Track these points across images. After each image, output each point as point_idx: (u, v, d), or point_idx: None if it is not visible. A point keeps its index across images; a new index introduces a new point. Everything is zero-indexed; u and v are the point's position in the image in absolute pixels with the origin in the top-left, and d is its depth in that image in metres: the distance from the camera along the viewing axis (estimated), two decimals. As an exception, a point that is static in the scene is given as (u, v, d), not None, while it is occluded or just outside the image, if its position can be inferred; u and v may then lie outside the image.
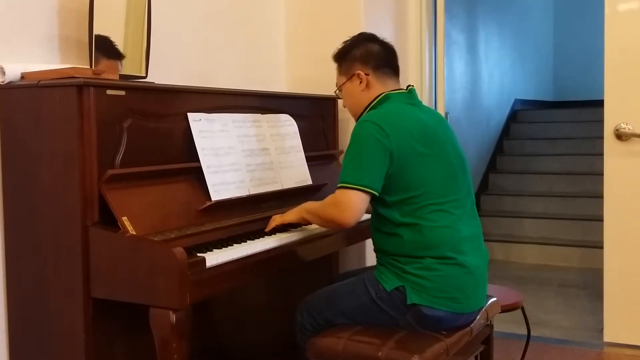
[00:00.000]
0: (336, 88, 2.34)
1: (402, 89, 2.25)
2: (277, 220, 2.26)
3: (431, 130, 2.12)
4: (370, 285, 2.09)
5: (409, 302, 2.02)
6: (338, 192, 2.04)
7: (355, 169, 2.02)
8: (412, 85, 2.28)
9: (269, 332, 2.69)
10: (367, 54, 2.25)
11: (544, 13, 8.31)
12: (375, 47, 2.27)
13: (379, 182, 2.02)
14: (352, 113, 2.33)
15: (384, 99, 2.20)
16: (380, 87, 2.23)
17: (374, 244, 2.20)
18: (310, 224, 2.30)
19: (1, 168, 2.03)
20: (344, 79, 2.29)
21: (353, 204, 2.00)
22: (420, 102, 2.27)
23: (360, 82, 2.23)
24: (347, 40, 2.32)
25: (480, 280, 2.12)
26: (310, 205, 2.23)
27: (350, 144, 2.07)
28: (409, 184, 2.04)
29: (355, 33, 2.36)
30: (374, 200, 2.07)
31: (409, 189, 2.05)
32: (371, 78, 2.23)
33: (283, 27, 3.34)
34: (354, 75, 2.25)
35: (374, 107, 2.20)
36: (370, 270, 2.19)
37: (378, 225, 2.14)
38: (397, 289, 2.04)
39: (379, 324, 2.07)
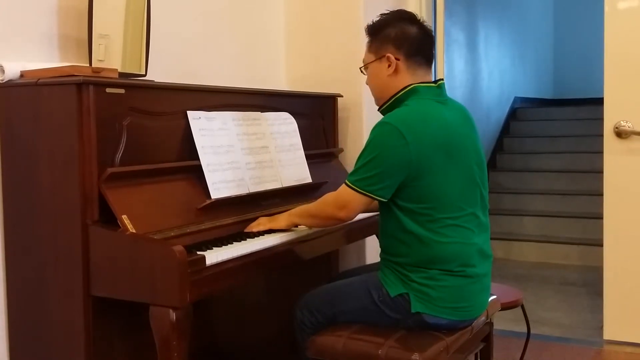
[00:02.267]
0: (362, 65, 2.20)
1: (432, 83, 2.12)
2: (265, 225, 2.20)
3: (457, 135, 2.02)
4: (373, 287, 2.06)
5: (413, 311, 1.99)
6: (342, 188, 2.02)
7: (366, 173, 1.96)
8: (443, 80, 2.15)
9: (268, 331, 2.69)
10: (403, 37, 2.08)
11: (543, 11, 8.30)
12: (412, 30, 2.09)
13: (389, 191, 1.97)
14: (374, 95, 2.19)
15: (412, 92, 2.06)
16: (409, 76, 2.08)
17: (380, 242, 2.16)
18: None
19: (1, 166, 2.03)
20: (372, 58, 2.14)
21: (353, 205, 2.01)
22: (449, 98, 2.14)
23: (389, 66, 2.08)
24: (385, 14, 2.15)
25: (485, 285, 2.11)
26: (301, 208, 2.21)
27: (367, 145, 1.99)
28: (425, 195, 1.97)
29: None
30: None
31: (425, 200, 1.97)
32: (401, 64, 2.08)
33: (283, 25, 3.34)
34: (383, 56, 2.09)
35: (399, 100, 2.07)
36: (374, 271, 2.16)
37: (387, 226, 2.08)
38: (401, 295, 2.01)
39: (379, 324, 2.05)
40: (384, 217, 2.10)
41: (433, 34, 2.17)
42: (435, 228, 1.98)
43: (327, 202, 2.11)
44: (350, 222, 2.15)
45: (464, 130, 2.07)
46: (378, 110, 2.19)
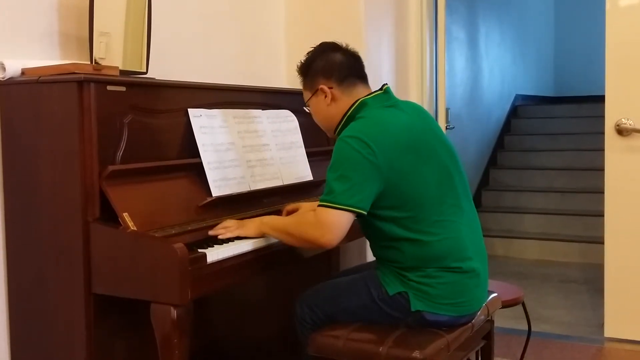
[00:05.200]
0: (305, 103, 2.22)
1: (377, 91, 2.12)
2: (232, 230, 2.06)
3: (418, 132, 2.02)
4: (373, 286, 2.06)
5: (412, 309, 1.99)
6: (320, 211, 1.91)
7: (340, 187, 1.89)
8: (387, 84, 2.15)
9: (269, 329, 2.69)
10: (329, 66, 2.12)
11: (544, 8, 8.29)
12: (337, 57, 2.14)
13: (368, 201, 1.91)
14: (324, 128, 2.22)
15: (361, 106, 2.08)
16: (347, 98, 2.10)
17: (372, 251, 2.15)
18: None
19: (2, 164, 2.04)
20: (309, 94, 2.18)
21: (336, 225, 1.89)
22: (398, 100, 2.14)
23: (326, 97, 2.12)
24: (309, 52, 2.21)
25: (482, 280, 2.10)
26: (277, 221, 2.10)
27: (333, 162, 1.94)
28: (404, 200, 1.95)
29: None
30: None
31: (405, 204, 1.96)
32: (336, 91, 2.11)
33: (283, 23, 3.34)
34: (318, 89, 2.13)
35: (351, 117, 2.08)
36: (373, 269, 2.16)
37: (374, 237, 2.08)
38: (399, 293, 2.01)
39: (379, 322, 2.05)
40: (368, 231, 2.08)
41: (358, 55, 2.19)
42: (422, 228, 1.97)
43: (307, 223, 1.98)
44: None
45: (423, 127, 2.08)
46: (334, 134, 2.16)
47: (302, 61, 2.22)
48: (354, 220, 1.96)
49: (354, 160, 1.91)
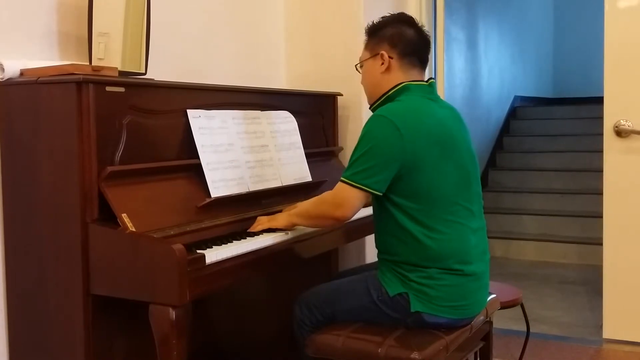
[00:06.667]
0: (358, 62, 2.23)
1: (423, 82, 2.15)
2: (264, 224, 2.21)
3: (448, 130, 2.05)
4: (372, 287, 2.06)
5: (412, 310, 2.00)
6: (339, 185, 2.01)
7: (361, 166, 1.96)
8: (433, 79, 2.20)
9: (268, 329, 2.69)
10: (398, 37, 2.12)
11: (543, 10, 8.30)
12: (409, 32, 2.14)
13: (384, 183, 1.97)
14: (367, 93, 2.24)
15: (403, 90, 2.09)
16: (401, 75, 2.12)
17: (376, 241, 2.15)
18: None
19: (0, 165, 2.03)
20: (367, 55, 2.18)
21: (351, 201, 1.98)
22: (439, 97, 2.18)
23: (382, 64, 2.12)
24: (385, 16, 2.20)
25: (484, 283, 2.11)
26: (299, 208, 2.20)
27: (361, 139, 2.00)
28: (419, 190, 1.98)
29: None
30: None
31: (419, 195, 1.98)
32: (394, 63, 2.12)
33: (283, 23, 3.34)
34: (377, 54, 2.14)
35: (390, 98, 2.11)
36: (373, 270, 2.17)
37: (381, 224, 2.09)
38: (400, 294, 2.01)
39: (378, 323, 2.06)
40: (378, 215, 2.11)
41: (431, 40, 2.20)
42: (430, 224, 1.98)
43: (323, 201, 2.11)
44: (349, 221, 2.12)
45: (455, 128, 2.10)
46: (370, 109, 2.20)
47: (374, 22, 2.21)
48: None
49: (379, 141, 1.96)
